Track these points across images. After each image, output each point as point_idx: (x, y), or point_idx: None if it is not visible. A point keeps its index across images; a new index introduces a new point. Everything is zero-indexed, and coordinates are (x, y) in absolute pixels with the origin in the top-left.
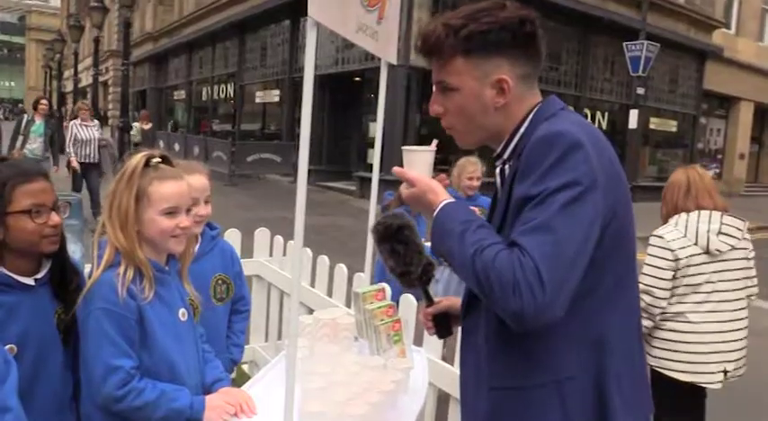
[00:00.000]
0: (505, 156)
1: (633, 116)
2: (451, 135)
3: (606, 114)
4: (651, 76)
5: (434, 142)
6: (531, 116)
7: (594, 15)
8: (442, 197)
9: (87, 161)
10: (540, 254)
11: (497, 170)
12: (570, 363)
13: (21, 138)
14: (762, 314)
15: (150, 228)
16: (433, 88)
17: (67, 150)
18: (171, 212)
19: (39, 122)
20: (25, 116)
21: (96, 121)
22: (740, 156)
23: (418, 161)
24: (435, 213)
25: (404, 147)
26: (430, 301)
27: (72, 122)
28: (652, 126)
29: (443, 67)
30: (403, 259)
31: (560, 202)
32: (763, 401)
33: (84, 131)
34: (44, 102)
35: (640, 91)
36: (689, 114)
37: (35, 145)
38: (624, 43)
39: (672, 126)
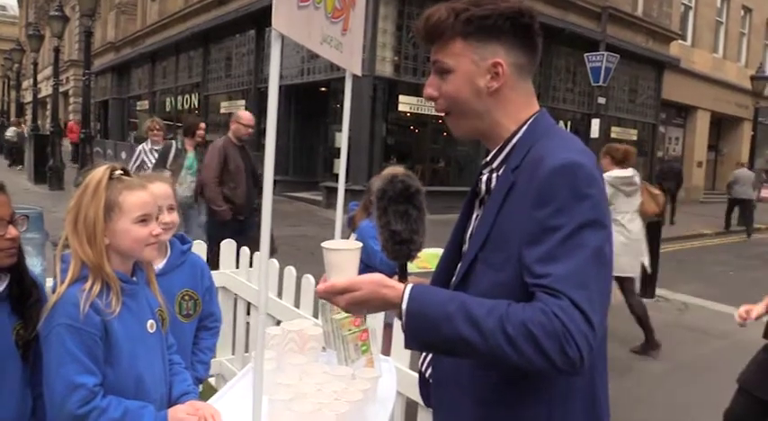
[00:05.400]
0: (495, 164)
1: (595, 125)
2: (446, 121)
3: (569, 123)
4: (611, 86)
5: (353, 236)
6: (527, 126)
7: (556, 27)
8: (399, 286)
9: None
10: (580, 297)
11: (484, 178)
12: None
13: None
14: (722, 318)
15: (124, 238)
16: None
17: None
18: (143, 220)
19: (191, 154)
20: (173, 144)
21: None
22: (698, 164)
23: (345, 261)
24: (405, 305)
25: (324, 246)
26: (404, 279)
27: (141, 146)
28: (613, 135)
29: (442, 48)
30: (412, 225)
31: (591, 245)
32: (721, 402)
33: (154, 159)
34: (203, 126)
35: (601, 100)
36: (648, 123)
37: (185, 184)
38: (585, 54)
39: (632, 135)
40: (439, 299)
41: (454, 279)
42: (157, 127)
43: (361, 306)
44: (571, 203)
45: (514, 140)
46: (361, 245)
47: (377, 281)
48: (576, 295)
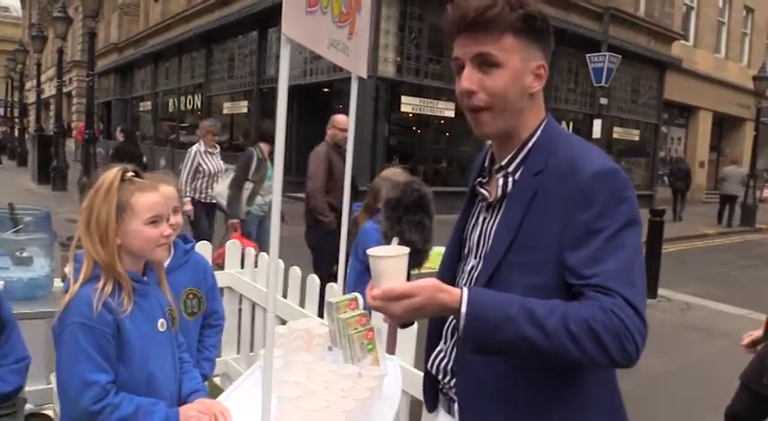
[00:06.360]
0: (510, 168)
1: (597, 125)
2: (477, 121)
3: (571, 124)
4: (614, 86)
5: (395, 240)
6: (540, 130)
7: (558, 27)
8: (455, 290)
9: (209, 201)
10: (631, 294)
11: (499, 182)
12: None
13: (249, 186)
14: (725, 317)
15: (136, 238)
16: (455, 64)
17: (180, 187)
18: (154, 221)
19: (268, 162)
20: (254, 152)
21: (218, 147)
22: (700, 164)
23: (395, 268)
24: (465, 309)
25: (371, 253)
26: None
27: (195, 149)
28: (615, 135)
29: (492, 40)
30: (426, 235)
31: (632, 244)
32: (724, 401)
33: (210, 162)
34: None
35: (603, 101)
36: (650, 123)
37: (268, 197)
38: (587, 55)
39: (634, 135)
40: (499, 301)
41: (471, 282)
42: (211, 129)
43: (417, 312)
44: (612, 207)
45: (530, 145)
46: (408, 249)
47: (434, 286)
48: (627, 293)
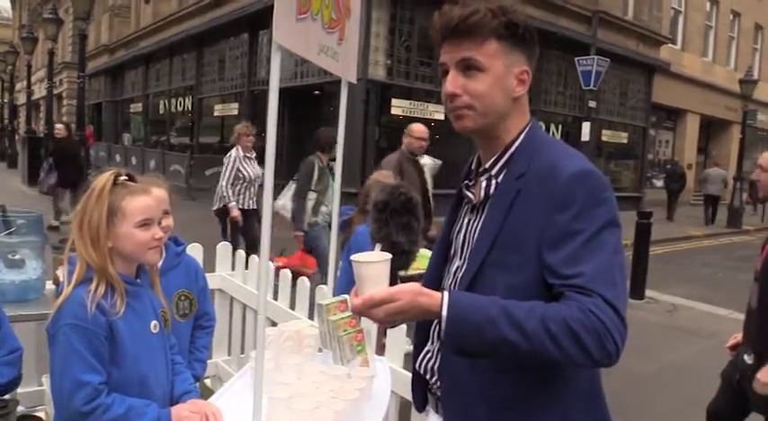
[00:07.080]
0: (494, 171)
1: (586, 128)
2: (458, 116)
3: (560, 127)
4: (602, 89)
5: (378, 246)
6: (524, 134)
7: (547, 30)
8: (435, 294)
9: (248, 207)
10: (611, 294)
11: (483, 184)
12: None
13: (313, 196)
14: (711, 318)
15: (127, 241)
16: (442, 69)
17: (223, 193)
18: (145, 224)
19: (329, 172)
20: (315, 161)
21: (254, 152)
22: (688, 166)
23: (378, 274)
24: (446, 312)
25: (355, 259)
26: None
27: (233, 154)
28: (604, 138)
29: (476, 46)
30: (412, 236)
31: (612, 245)
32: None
33: (249, 168)
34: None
35: (592, 104)
36: (639, 126)
37: (332, 206)
38: (576, 58)
39: (623, 138)
40: (479, 304)
41: (456, 283)
42: (254, 133)
43: (398, 316)
44: (590, 208)
45: (513, 148)
46: (390, 255)
47: (414, 290)
48: (607, 293)
